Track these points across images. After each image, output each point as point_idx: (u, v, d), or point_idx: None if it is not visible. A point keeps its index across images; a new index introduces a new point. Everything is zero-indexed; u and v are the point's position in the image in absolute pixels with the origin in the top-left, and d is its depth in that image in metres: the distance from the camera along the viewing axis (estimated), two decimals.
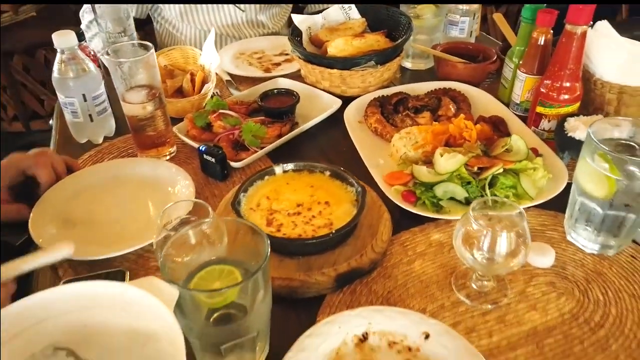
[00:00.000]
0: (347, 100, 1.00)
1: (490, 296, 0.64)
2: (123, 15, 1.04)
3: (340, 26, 1.12)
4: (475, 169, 0.77)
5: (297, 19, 1.10)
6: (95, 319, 0.47)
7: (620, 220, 0.65)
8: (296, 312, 0.63)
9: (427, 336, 0.57)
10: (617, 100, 0.87)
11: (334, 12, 1.15)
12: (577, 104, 0.86)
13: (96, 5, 1.05)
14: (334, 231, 0.66)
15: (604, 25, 0.87)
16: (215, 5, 1.37)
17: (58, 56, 0.89)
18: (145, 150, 0.88)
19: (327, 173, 0.76)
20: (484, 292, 0.64)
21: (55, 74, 0.90)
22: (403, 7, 1.14)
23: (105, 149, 0.94)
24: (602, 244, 0.68)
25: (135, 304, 0.45)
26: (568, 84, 0.83)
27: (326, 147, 0.94)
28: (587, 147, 0.64)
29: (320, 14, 1.13)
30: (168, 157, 0.90)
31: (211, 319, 0.51)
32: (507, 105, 0.97)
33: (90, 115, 0.94)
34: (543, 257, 0.67)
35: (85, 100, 0.92)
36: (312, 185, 0.75)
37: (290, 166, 0.77)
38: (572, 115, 0.85)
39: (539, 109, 0.87)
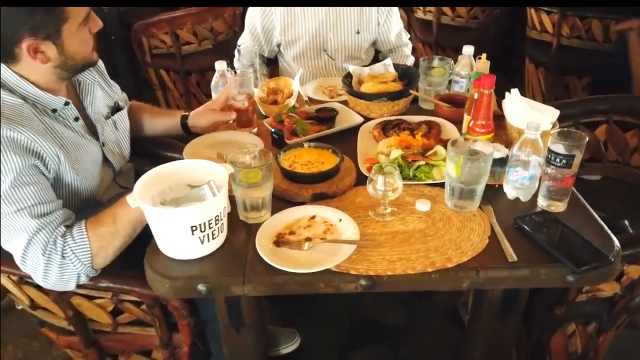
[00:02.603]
0: (369, 120, 1.66)
1: (386, 217, 1.24)
2: (253, 56, 1.83)
3: (380, 75, 1.79)
4: (410, 160, 1.37)
5: (351, 68, 1.79)
6: (202, 176, 1.18)
7: (461, 190, 1.21)
8: (290, 206, 1.30)
9: (340, 220, 1.20)
10: (518, 136, 1.40)
11: (378, 67, 1.81)
12: (490, 135, 1.41)
13: (242, 49, 1.85)
14: (316, 172, 1.32)
15: (515, 91, 1.42)
16: (316, 56, 2.12)
17: (216, 72, 1.68)
18: (240, 127, 1.63)
19: (329, 150, 1.42)
20: (384, 214, 1.24)
21: (212, 83, 1.69)
22: (422, 67, 1.76)
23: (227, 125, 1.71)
24: (457, 205, 1.24)
25: (218, 170, 1.16)
26: (483, 122, 1.39)
27: (345, 142, 1.57)
28: (448, 152, 1.22)
29: (368, 66, 1.81)
30: (252, 132, 1.63)
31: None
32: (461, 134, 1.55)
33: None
34: (423, 205, 1.26)
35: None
36: (320, 155, 1.42)
37: (311, 144, 1.45)
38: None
39: (469, 136, 1.44)
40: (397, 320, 2.11)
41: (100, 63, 1.47)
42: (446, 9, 3.50)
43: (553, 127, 1.40)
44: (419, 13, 3.69)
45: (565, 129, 1.22)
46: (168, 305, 1.32)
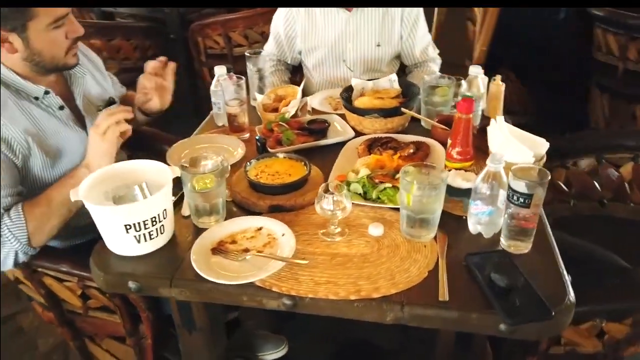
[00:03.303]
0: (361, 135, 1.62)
1: (335, 237, 1.20)
2: (262, 64, 1.85)
3: (382, 90, 1.74)
4: (378, 181, 1.32)
5: (354, 81, 1.75)
6: (152, 177, 1.22)
7: (413, 219, 1.15)
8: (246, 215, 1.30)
9: (283, 234, 1.18)
10: None
11: (383, 82, 1.76)
12: (469, 163, 1.32)
13: (262, 55, 1.87)
14: (276, 184, 1.31)
15: (500, 119, 1.32)
16: (335, 66, 2.10)
17: (215, 77, 1.72)
18: (232, 132, 1.65)
19: (302, 163, 1.41)
20: (333, 234, 1.21)
21: (212, 87, 1.73)
22: (425, 86, 1.68)
23: (222, 129, 1.74)
24: (409, 233, 1.18)
25: (166, 171, 1.19)
26: (460, 149, 1.31)
27: (333, 157, 1.52)
28: (401, 179, 1.16)
29: (372, 81, 1.76)
30: (243, 138, 1.65)
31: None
32: None
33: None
34: (375, 229, 1.20)
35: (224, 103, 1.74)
36: (291, 166, 1.41)
37: (286, 155, 1.44)
38: (462, 169, 1.32)
39: (446, 163, 1.35)
40: (389, 342, 2.03)
41: (97, 58, 1.56)
42: None
43: (539, 161, 1.29)
44: None
45: (534, 165, 1.11)
46: (128, 296, 1.38)
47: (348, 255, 1.15)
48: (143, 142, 1.75)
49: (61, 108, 1.40)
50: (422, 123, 1.72)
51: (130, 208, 1.09)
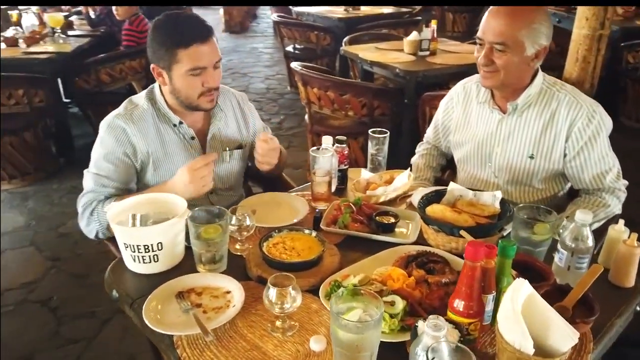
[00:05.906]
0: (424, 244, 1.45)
1: (277, 331, 1.13)
2: (382, 143, 1.83)
3: (479, 204, 1.49)
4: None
5: (451, 186, 1.55)
6: (165, 208, 1.38)
7: (341, 354, 0.99)
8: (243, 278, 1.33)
9: (234, 306, 1.18)
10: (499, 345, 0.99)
11: (486, 196, 1.50)
12: (473, 320, 1.03)
13: (371, 132, 1.86)
14: (275, 260, 1.30)
15: (522, 282, 0.99)
16: (479, 166, 1.88)
17: (322, 146, 1.78)
18: (314, 200, 1.69)
19: (323, 249, 1.35)
20: (276, 327, 1.14)
21: (311, 155, 1.78)
22: (518, 216, 1.35)
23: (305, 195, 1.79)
24: None
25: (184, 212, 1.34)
26: (463, 302, 1.04)
27: (371, 250, 1.42)
28: (331, 306, 1.01)
29: (474, 191, 1.52)
30: (320, 208, 1.66)
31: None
32: None
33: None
34: (316, 344, 1.08)
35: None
36: (311, 248, 1.37)
37: (315, 233, 1.41)
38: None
39: (448, 312, 1.09)
40: None
41: (252, 109, 1.89)
42: None
43: (553, 358, 0.92)
44: None
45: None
46: None
47: (267, 355, 1.07)
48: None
49: (192, 138, 1.71)
50: None
51: (122, 230, 1.29)
